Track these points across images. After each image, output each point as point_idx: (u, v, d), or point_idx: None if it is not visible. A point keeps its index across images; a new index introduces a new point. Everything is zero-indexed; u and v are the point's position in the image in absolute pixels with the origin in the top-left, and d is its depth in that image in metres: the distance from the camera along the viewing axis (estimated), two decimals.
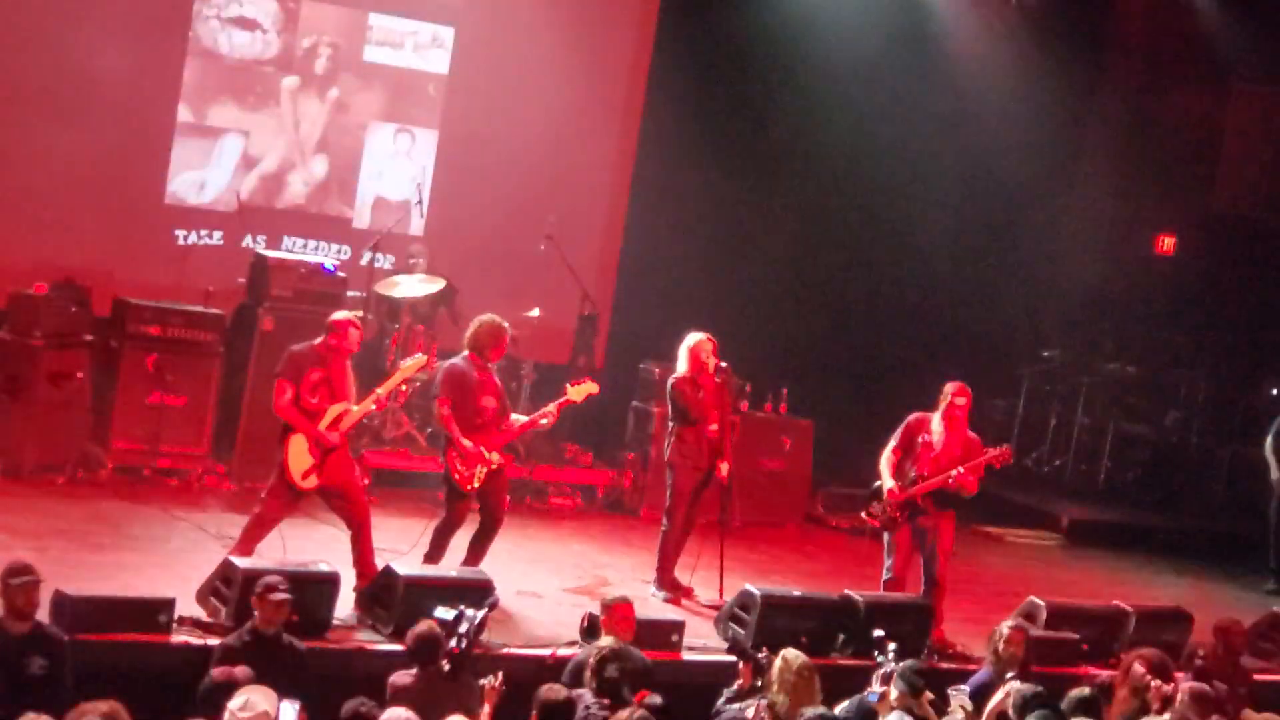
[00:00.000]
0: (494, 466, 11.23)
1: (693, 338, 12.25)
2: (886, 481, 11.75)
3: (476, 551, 11.39)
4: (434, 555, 11.31)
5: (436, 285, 14.47)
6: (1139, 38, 18.81)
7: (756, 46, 17.02)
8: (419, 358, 11.40)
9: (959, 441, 11.74)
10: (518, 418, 11.60)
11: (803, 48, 16.86)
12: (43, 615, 9.17)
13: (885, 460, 11.84)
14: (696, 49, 16.85)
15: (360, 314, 13.92)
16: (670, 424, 12.37)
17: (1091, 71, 18.67)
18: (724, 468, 12.18)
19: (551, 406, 11.59)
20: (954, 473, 11.54)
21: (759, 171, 17.40)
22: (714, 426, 12.15)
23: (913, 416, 11.90)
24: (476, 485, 11.19)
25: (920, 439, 11.76)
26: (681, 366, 12.23)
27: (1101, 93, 19.12)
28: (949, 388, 11.80)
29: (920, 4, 17.37)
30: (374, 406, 11.06)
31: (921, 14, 17.40)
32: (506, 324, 11.59)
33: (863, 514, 12.05)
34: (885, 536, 11.90)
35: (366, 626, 10.29)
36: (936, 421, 11.76)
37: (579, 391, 11.66)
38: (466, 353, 11.44)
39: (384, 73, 16.03)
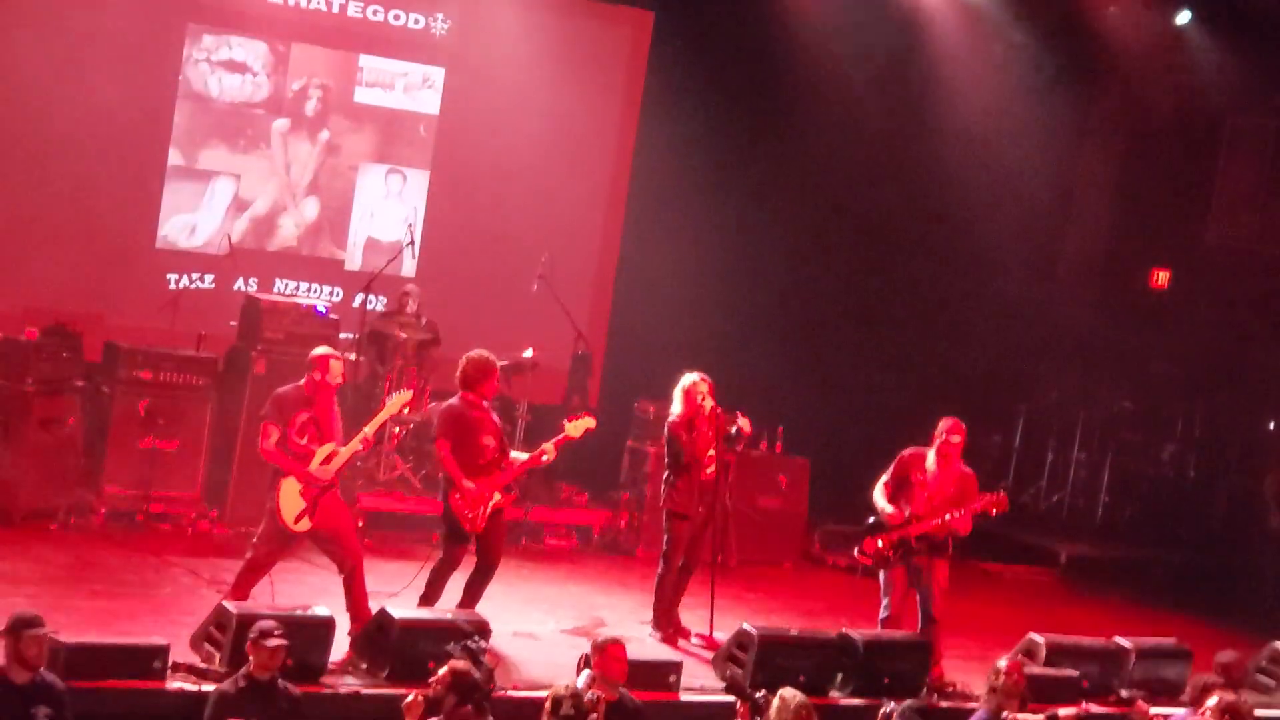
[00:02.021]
0: (495, 506, 11.19)
1: (687, 378, 12.21)
2: (886, 508, 11.68)
3: (473, 593, 11.33)
4: (430, 597, 11.25)
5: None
6: (1132, 73, 18.86)
7: (749, 85, 17.06)
8: (404, 394, 11.35)
9: (953, 478, 11.71)
10: (518, 455, 11.54)
11: (796, 86, 16.91)
12: None
13: (878, 493, 11.80)
14: (688, 88, 16.89)
15: (353, 356, 13.96)
16: (666, 469, 12.31)
17: (1084, 106, 18.71)
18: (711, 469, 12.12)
19: (549, 444, 11.54)
20: (946, 517, 11.53)
21: (753, 210, 17.41)
22: (710, 470, 12.11)
23: (906, 452, 11.86)
24: (479, 527, 11.13)
25: (914, 476, 11.72)
26: (676, 408, 12.19)
27: (1094, 128, 19.16)
28: (943, 424, 11.76)
29: (914, 42, 17.41)
30: (361, 446, 10.94)
31: (915, 53, 17.45)
32: (493, 357, 11.53)
33: (855, 552, 12.00)
34: (881, 575, 11.84)
35: (361, 671, 10.23)
36: (931, 458, 11.73)
37: (576, 427, 11.61)
38: (460, 392, 11.40)
39: (375, 114, 16.05)
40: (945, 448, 11.68)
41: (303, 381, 10.84)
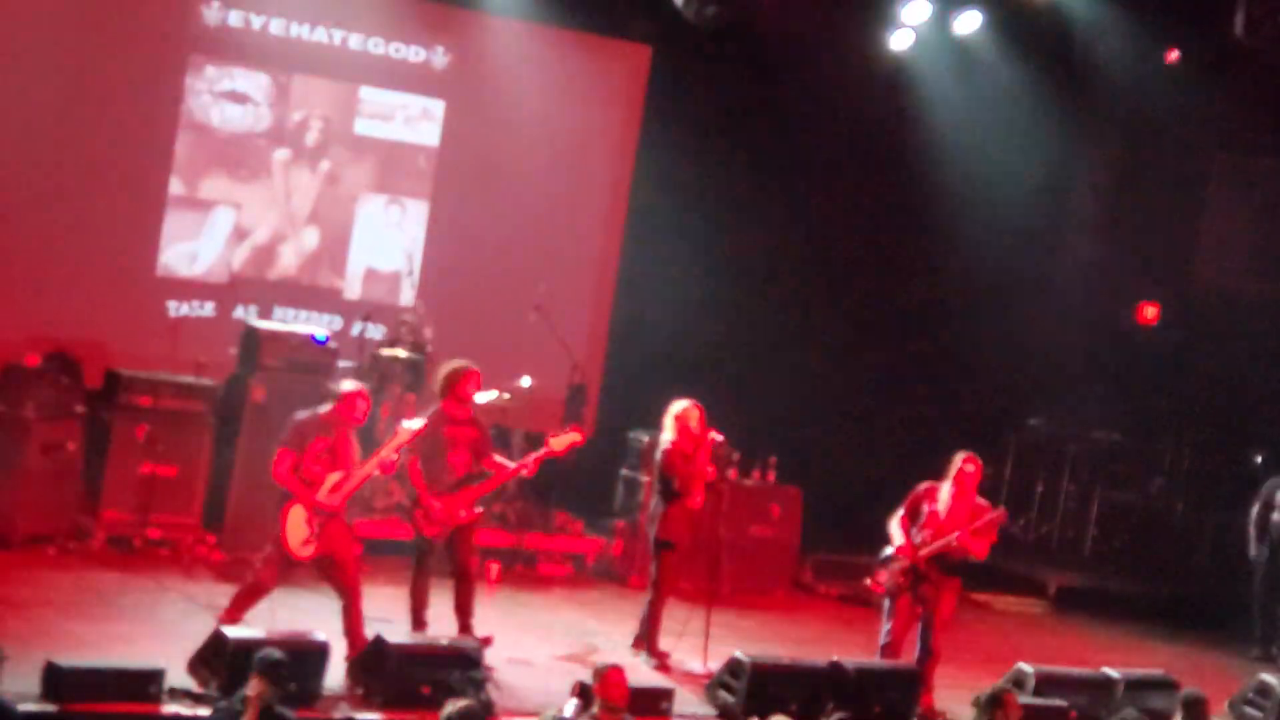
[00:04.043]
0: (461, 521, 11.30)
1: (678, 405, 12.26)
2: (897, 539, 11.79)
3: (463, 609, 11.45)
4: (417, 613, 11.40)
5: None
6: (1122, 109, 18.99)
7: (745, 118, 17.17)
8: (417, 421, 11.29)
9: (966, 509, 11.83)
10: (503, 462, 11.64)
11: (790, 119, 17.02)
12: (34, 685, 9.21)
13: (894, 525, 11.89)
14: (685, 120, 16.99)
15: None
16: (655, 496, 12.36)
17: (1074, 142, 18.84)
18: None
19: (529, 458, 11.66)
20: (953, 536, 11.65)
21: (749, 241, 17.50)
22: (700, 498, 12.21)
23: (921, 486, 11.97)
24: (442, 542, 11.30)
25: (926, 507, 11.84)
26: (668, 435, 12.23)
27: (1084, 163, 19.27)
28: (959, 456, 11.90)
29: (905, 76, 17.54)
30: (378, 470, 10.99)
31: (905, 86, 17.58)
32: (465, 365, 11.60)
33: (867, 581, 12.06)
34: (886, 602, 11.93)
35: (357, 696, 10.30)
36: (945, 489, 11.86)
37: (560, 442, 11.69)
38: (439, 404, 11.52)
39: (375, 145, 16.16)
40: (961, 477, 11.82)
41: (322, 410, 10.92)
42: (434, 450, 11.38)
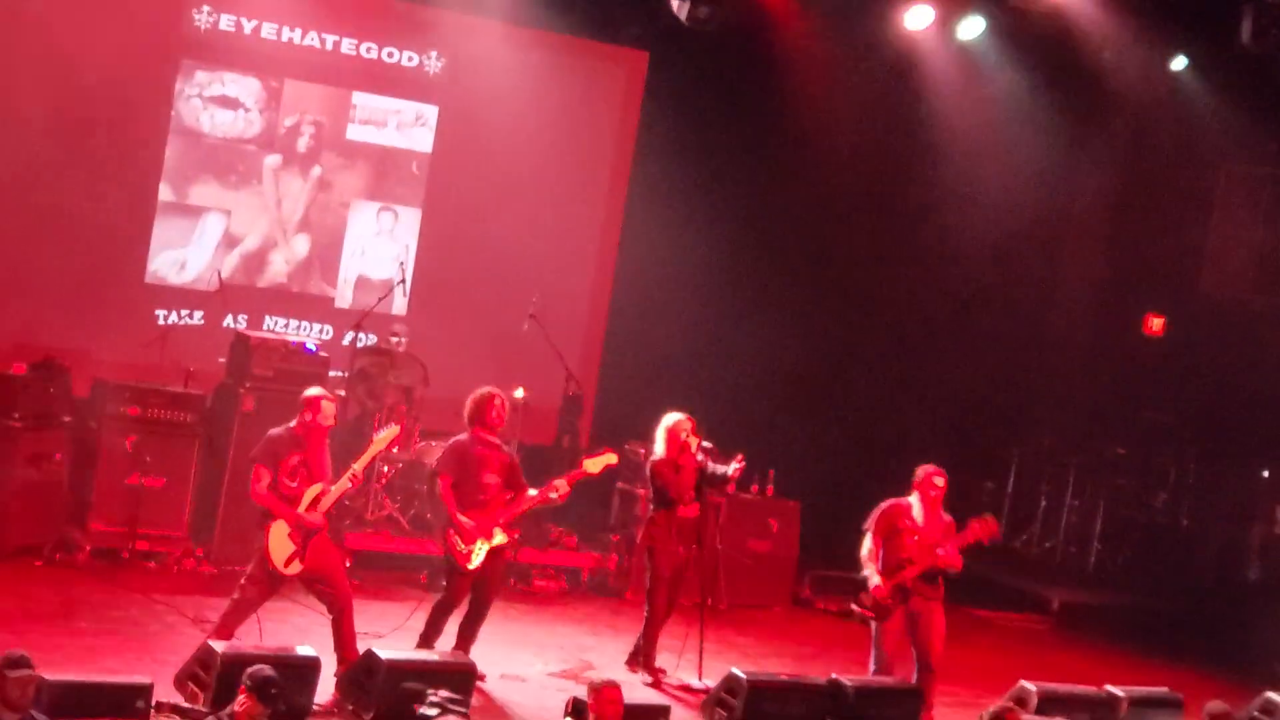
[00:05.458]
0: (495, 543, 11.12)
1: (670, 418, 12.21)
2: (873, 578, 11.62)
3: (467, 634, 11.33)
4: (430, 635, 11.25)
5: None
6: (1128, 119, 18.92)
7: (743, 125, 17.11)
8: (392, 429, 11.18)
9: (939, 524, 11.71)
10: (532, 493, 11.49)
11: (790, 126, 16.96)
12: None
13: (866, 553, 11.73)
14: (682, 128, 16.92)
15: (342, 394, 13.91)
16: (650, 506, 12.31)
17: (1079, 152, 18.76)
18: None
19: (562, 480, 11.49)
20: (940, 552, 11.51)
21: (746, 251, 17.41)
22: (691, 507, 12.08)
23: (887, 504, 11.82)
24: (476, 564, 11.07)
25: (901, 524, 11.69)
26: (660, 448, 12.18)
27: (1089, 174, 19.21)
28: (924, 471, 11.77)
29: (908, 83, 17.47)
30: (350, 484, 10.81)
31: (910, 93, 17.50)
32: (493, 390, 11.48)
33: (853, 605, 11.91)
34: (873, 626, 11.75)
35: (348, 712, 10.17)
36: (916, 505, 11.72)
37: (596, 463, 11.61)
38: (470, 430, 11.39)
39: (367, 151, 16.06)
40: (931, 491, 11.67)
41: (293, 423, 10.77)
42: (465, 469, 11.26)
